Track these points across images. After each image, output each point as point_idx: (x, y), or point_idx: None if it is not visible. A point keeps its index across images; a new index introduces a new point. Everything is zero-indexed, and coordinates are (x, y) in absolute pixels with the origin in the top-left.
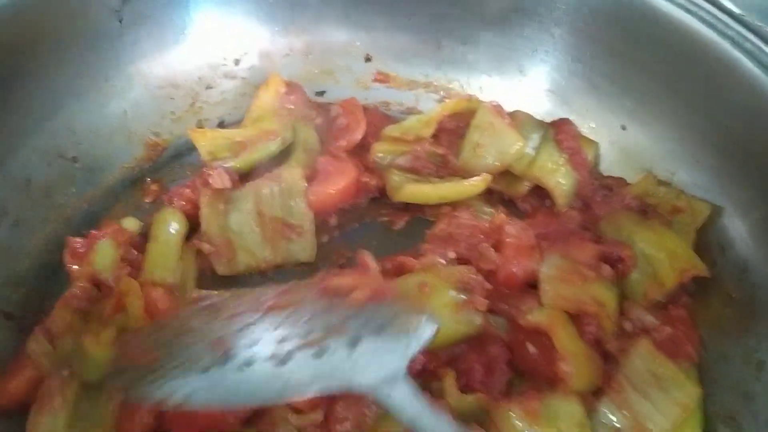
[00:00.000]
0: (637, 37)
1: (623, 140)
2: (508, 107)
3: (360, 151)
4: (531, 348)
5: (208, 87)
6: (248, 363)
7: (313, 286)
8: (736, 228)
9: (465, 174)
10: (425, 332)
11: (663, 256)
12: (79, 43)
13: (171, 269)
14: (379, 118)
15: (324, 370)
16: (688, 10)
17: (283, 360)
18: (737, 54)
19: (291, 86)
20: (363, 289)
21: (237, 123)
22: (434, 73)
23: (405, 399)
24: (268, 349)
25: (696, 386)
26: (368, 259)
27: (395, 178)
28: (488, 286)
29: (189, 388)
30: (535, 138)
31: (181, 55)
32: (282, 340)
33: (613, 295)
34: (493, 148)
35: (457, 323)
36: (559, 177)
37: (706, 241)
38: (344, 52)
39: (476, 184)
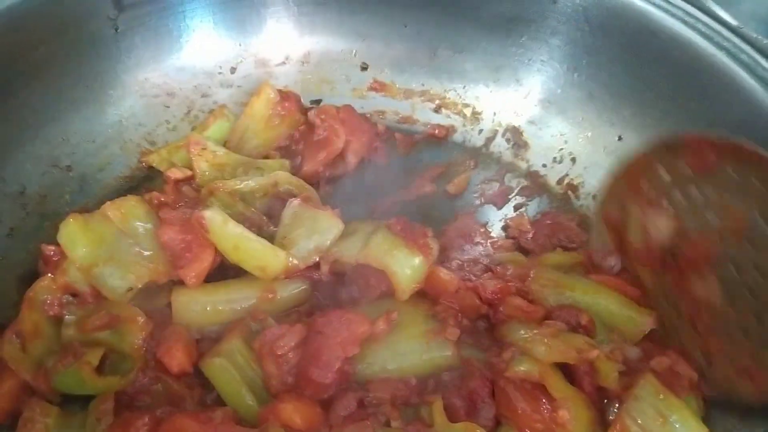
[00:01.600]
0: (634, 47)
1: (619, 151)
2: (505, 117)
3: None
4: (516, 396)
5: (204, 95)
6: None
7: None
8: None
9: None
10: None
11: (617, 312)
12: (74, 51)
13: None
14: (370, 127)
15: None
16: (685, 22)
17: None
18: (734, 66)
19: (285, 94)
20: None
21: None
22: (430, 82)
23: None
24: None
25: (701, 426)
26: None
27: None
28: (463, 320)
29: None
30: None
31: (176, 64)
32: None
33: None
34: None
35: (428, 353)
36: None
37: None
38: (340, 60)
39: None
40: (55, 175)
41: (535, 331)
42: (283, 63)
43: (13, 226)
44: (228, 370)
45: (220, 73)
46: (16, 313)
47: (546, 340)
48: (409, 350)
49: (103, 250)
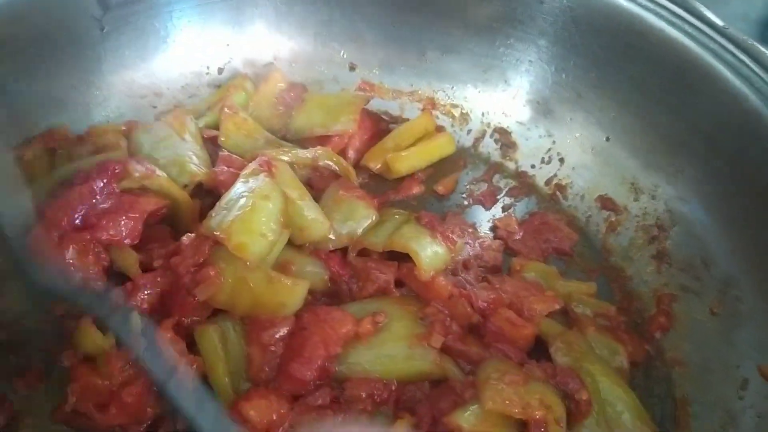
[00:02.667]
0: (621, 48)
1: (607, 151)
2: (493, 117)
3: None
4: None
5: (192, 96)
6: None
7: None
8: (719, 242)
9: None
10: None
11: (626, 417)
12: (60, 51)
13: None
14: (374, 123)
15: None
16: (672, 23)
17: None
18: (720, 66)
19: (293, 85)
20: None
21: None
22: (419, 83)
23: None
24: None
25: None
26: None
27: None
28: (454, 326)
29: None
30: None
31: (164, 64)
32: None
33: (559, 398)
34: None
35: (410, 358)
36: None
37: (689, 257)
38: (329, 61)
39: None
40: None
41: (507, 374)
42: (271, 63)
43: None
44: (214, 342)
45: (207, 73)
46: None
47: (501, 387)
48: (393, 354)
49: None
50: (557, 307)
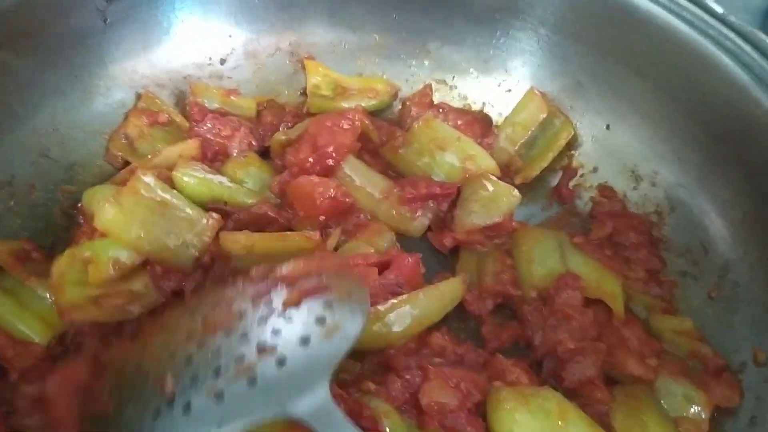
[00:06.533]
0: (622, 36)
1: (608, 139)
2: (494, 106)
3: None
4: None
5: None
6: (189, 406)
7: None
8: (718, 227)
9: None
10: (350, 330)
11: None
12: (63, 42)
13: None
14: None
15: (258, 399)
16: (671, 11)
17: (219, 395)
18: (720, 53)
19: None
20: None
21: None
22: (420, 73)
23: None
24: (209, 386)
25: None
26: None
27: None
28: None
29: None
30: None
31: (166, 55)
32: (218, 371)
33: None
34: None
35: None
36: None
37: (688, 242)
38: (330, 52)
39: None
40: (43, 164)
41: None
42: (273, 54)
43: (1, 215)
44: None
45: (209, 64)
46: None
47: None
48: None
49: (154, 225)
50: (651, 378)
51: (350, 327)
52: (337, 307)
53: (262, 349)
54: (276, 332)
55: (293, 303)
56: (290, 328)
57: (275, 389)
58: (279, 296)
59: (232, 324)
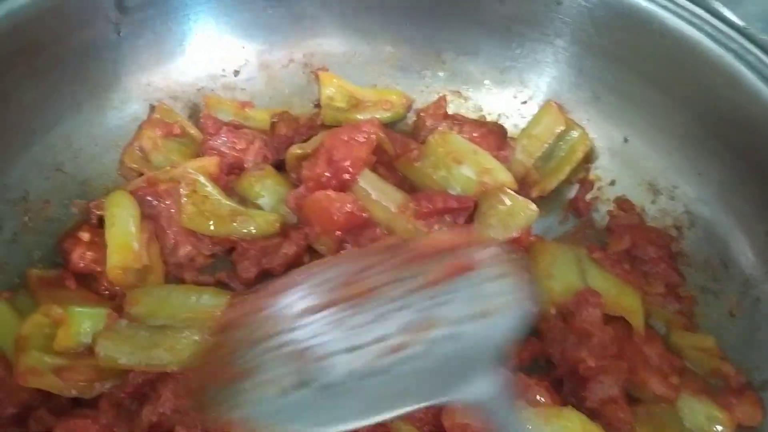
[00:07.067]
0: (640, 48)
1: (625, 152)
2: (509, 118)
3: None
4: None
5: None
6: (327, 383)
7: (392, 256)
8: (739, 243)
9: None
10: (521, 311)
11: None
12: (77, 55)
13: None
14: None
15: (412, 383)
16: (691, 23)
17: (369, 373)
18: (740, 66)
19: None
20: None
21: None
22: (434, 84)
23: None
24: (347, 361)
25: None
26: None
27: None
28: None
29: (270, 413)
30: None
31: (180, 67)
32: (358, 347)
33: None
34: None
35: None
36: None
37: (708, 258)
38: (344, 63)
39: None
40: (57, 179)
41: None
42: (287, 66)
43: (16, 231)
44: None
45: (223, 75)
46: None
47: None
48: None
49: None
50: (673, 397)
51: (518, 303)
52: (499, 282)
53: (419, 328)
54: (434, 308)
55: (447, 277)
56: (450, 306)
57: (437, 372)
58: (429, 271)
59: (377, 298)
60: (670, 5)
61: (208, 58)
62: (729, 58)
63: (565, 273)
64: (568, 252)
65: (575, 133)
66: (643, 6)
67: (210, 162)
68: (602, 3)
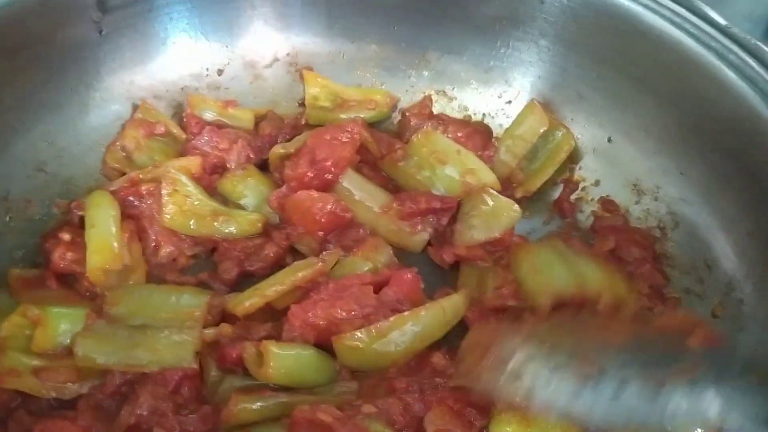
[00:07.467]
0: (624, 48)
1: (609, 152)
2: (494, 118)
3: None
4: None
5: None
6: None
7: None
8: (722, 245)
9: None
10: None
11: None
12: (59, 54)
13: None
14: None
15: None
16: (673, 22)
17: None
18: (722, 66)
19: None
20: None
21: None
22: (419, 84)
23: None
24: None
25: None
26: None
27: None
28: None
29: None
30: None
31: (163, 66)
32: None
33: None
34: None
35: None
36: None
37: (692, 260)
38: (330, 62)
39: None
40: (39, 178)
41: None
42: (271, 65)
43: None
44: None
45: (207, 75)
46: None
47: None
48: None
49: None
50: None
51: None
52: None
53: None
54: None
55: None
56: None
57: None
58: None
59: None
60: (653, 4)
61: (192, 57)
62: (711, 58)
63: (553, 266)
64: (546, 247)
65: (559, 133)
66: (626, 6)
67: (192, 162)
68: (585, 2)
